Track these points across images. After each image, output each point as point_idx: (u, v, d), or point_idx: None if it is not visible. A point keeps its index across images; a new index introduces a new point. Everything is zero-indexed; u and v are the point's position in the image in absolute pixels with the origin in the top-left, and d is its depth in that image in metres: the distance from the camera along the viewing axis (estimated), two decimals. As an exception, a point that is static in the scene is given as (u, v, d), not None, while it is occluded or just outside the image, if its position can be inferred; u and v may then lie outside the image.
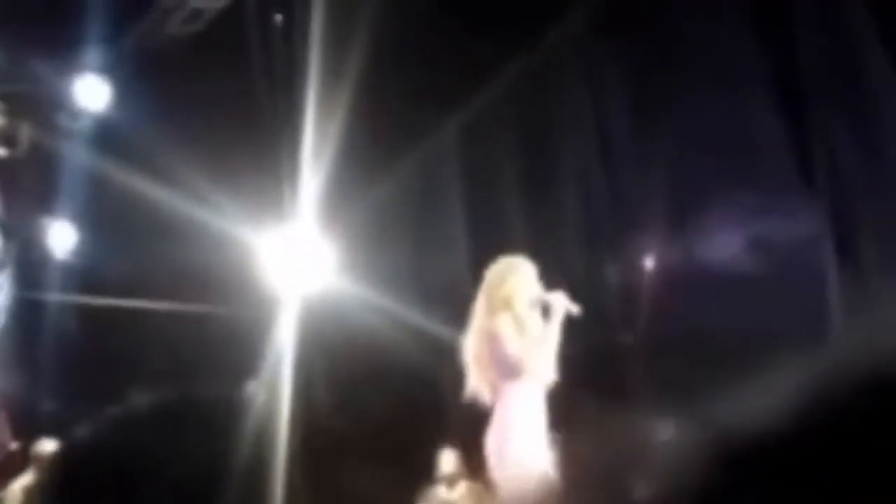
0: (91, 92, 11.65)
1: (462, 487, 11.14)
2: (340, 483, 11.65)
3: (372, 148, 11.55)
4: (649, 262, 9.25)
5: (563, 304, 6.97)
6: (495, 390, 6.94)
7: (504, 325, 6.93)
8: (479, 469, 11.12)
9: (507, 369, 6.89)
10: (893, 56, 9.37)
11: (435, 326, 11.84)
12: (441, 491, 11.15)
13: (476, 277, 11.96)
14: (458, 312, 11.93)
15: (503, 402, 6.91)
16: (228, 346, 11.19)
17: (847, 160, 9.64)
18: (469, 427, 11.63)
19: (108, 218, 11.35)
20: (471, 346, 7.08)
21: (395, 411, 11.65)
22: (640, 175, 11.11)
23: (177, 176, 10.75)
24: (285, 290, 11.63)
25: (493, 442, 6.95)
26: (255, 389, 11.56)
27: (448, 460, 11.20)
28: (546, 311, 7.00)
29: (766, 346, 10.25)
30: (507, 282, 7.05)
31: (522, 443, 6.85)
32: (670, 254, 10.29)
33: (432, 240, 12.38)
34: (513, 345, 6.87)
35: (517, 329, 6.92)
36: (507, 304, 6.98)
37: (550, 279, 11.51)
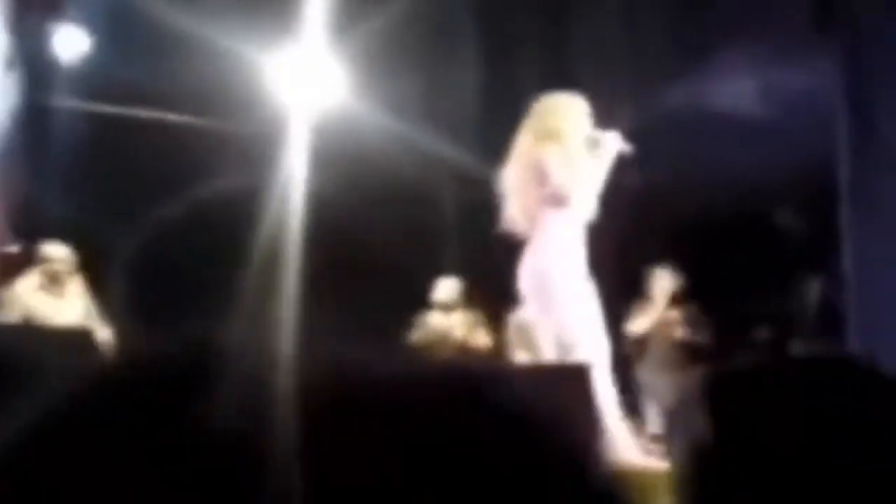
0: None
1: (458, 315, 11.26)
2: (341, 298, 11.79)
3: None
4: (662, 105, 9.24)
5: (615, 143, 7.05)
6: (533, 220, 7.01)
7: (552, 155, 6.99)
8: (477, 298, 11.28)
9: (551, 199, 6.96)
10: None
11: (444, 153, 11.88)
12: (437, 317, 11.26)
13: (486, 109, 12.05)
14: (466, 142, 12.02)
15: (542, 231, 6.99)
16: (239, 162, 11.20)
17: (865, 9, 9.58)
18: (474, 256, 11.80)
19: (119, 27, 11.27)
20: (512, 175, 7.14)
21: (398, 234, 11.71)
22: (658, 16, 11.04)
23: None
24: (295, 109, 11.62)
25: (531, 269, 7.03)
26: (262, 186, 11.62)
27: (446, 287, 11.29)
28: (596, 147, 7.08)
29: (771, 194, 10.38)
30: (559, 114, 7.12)
31: (563, 271, 6.96)
32: (682, 97, 10.30)
33: (444, 67, 12.34)
34: (560, 175, 6.95)
35: (565, 161, 6.97)
36: (556, 136, 7.05)
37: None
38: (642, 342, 10.43)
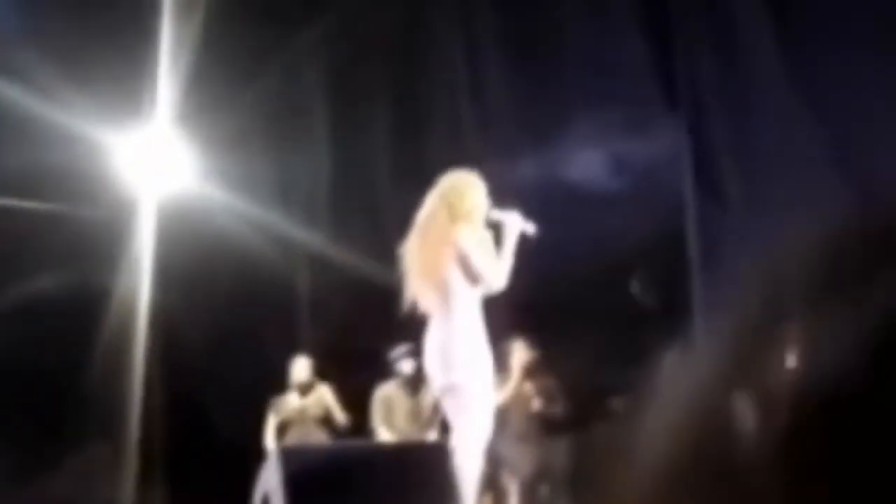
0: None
1: (314, 394, 11.22)
2: (196, 389, 11.67)
3: (234, 50, 11.44)
4: (513, 180, 9.32)
5: (518, 223, 7.20)
6: (443, 297, 7.11)
7: (468, 236, 7.14)
8: (330, 377, 11.26)
9: (468, 279, 7.12)
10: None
11: (295, 232, 11.87)
12: (293, 397, 11.21)
13: (335, 185, 12.06)
14: (317, 221, 12.01)
15: (453, 309, 7.08)
16: (85, 246, 11.06)
17: (709, 84, 9.80)
18: (327, 333, 11.77)
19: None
20: (422, 252, 7.21)
21: (253, 317, 11.66)
22: (506, 91, 11.16)
23: (36, 73, 10.55)
24: (143, 193, 11.54)
25: (439, 347, 7.14)
26: (109, 287, 11.49)
27: (301, 367, 11.27)
28: (497, 228, 7.25)
29: (623, 264, 10.50)
30: (469, 194, 7.25)
31: (473, 347, 7.11)
32: (533, 172, 10.42)
33: (294, 145, 12.34)
34: (478, 257, 7.12)
35: (478, 242, 7.12)
36: (468, 216, 7.15)
37: (410, 194, 11.63)
38: (499, 414, 10.45)
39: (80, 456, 10.56)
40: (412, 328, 10.88)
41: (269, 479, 9.07)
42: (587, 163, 10.34)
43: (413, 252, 7.29)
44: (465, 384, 7.10)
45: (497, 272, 7.17)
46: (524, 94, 10.94)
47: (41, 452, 10.18)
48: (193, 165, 11.68)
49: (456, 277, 7.13)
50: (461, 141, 11.30)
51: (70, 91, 10.66)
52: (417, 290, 7.25)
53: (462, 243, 7.12)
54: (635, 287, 10.78)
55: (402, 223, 11.75)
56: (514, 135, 10.94)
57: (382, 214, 11.82)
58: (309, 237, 11.99)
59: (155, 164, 11.52)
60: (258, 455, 10.07)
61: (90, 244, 11.13)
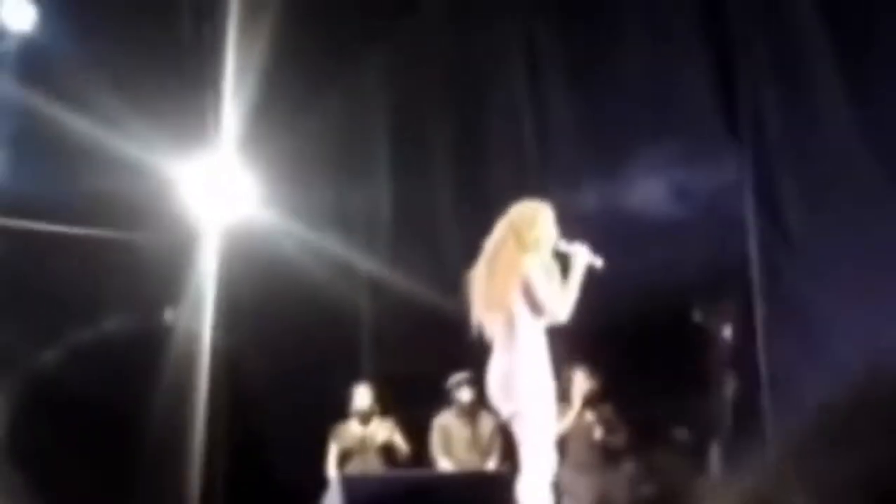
0: (16, 12, 11.44)
1: (375, 423, 11.22)
2: (260, 418, 11.70)
3: (296, 77, 11.50)
4: (576, 210, 9.30)
5: (585, 255, 7.24)
6: (508, 326, 7.17)
7: (535, 266, 7.21)
8: (391, 405, 11.26)
9: (533, 310, 7.17)
10: (825, 14, 9.50)
11: (356, 260, 11.89)
12: (354, 425, 11.21)
13: (398, 211, 12.08)
14: (378, 248, 12.03)
15: (518, 337, 7.14)
16: (150, 274, 11.14)
17: (772, 114, 9.77)
18: (388, 361, 11.78)
19: (28, 142, 11.19)
20: (489, 280, 7.27)
21: (314, 344, 11.68)
22: (568, 121, 11.16)
23: (99, 101, 10.64)
24: (206, 220, 11.59)
25: (502, 376, 7.20)
26: (173, 318, 11.54)
27: (362, 396, 11.27)
28: (565, 259, 7.30)
29: (686, 293, 10.45)
30: (538, 224, 7.33)
31: (537, 377, 7.19)
32: (597, 203, 10.41)
33: (355, 173, 12.38)
34: (543, 288, 7.17)
35: (544, 272, 7.18)
36: (536, 246, 7.23)
37: (472, 224, 11.63)
38: (560, 443, 10.42)
39: (145, 492, 10.60)
40: (471, 356, 10.91)
41: (331, 507, 9.13)
42: (649, 192, 10.31)
43: (480, 280, 7.34)
44: (528, 413, 7.14)
45: (562, 303, 7.20)
46: (586, 124, 10.94)
47: (104, 490, 10.24)
48: (256, 192, 11.72)
49: (521, 307, 7.16)
50: (523, 170, 11.30)
51: (134, 119, 10.74)
52: (483, 317, 7.28)
53: (528, 273, 7.16)
54: (698, 315, 10.73)
55: (462, 251, 11.78)
56: (576, 165, 10.94)
57: (443, 242, 11.84)
58: (370, 264, 12.01)
59: (218, 191, 11.57)
60: (320, 484, 10.10)
61: (154, 271, 11.20)
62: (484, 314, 7.29)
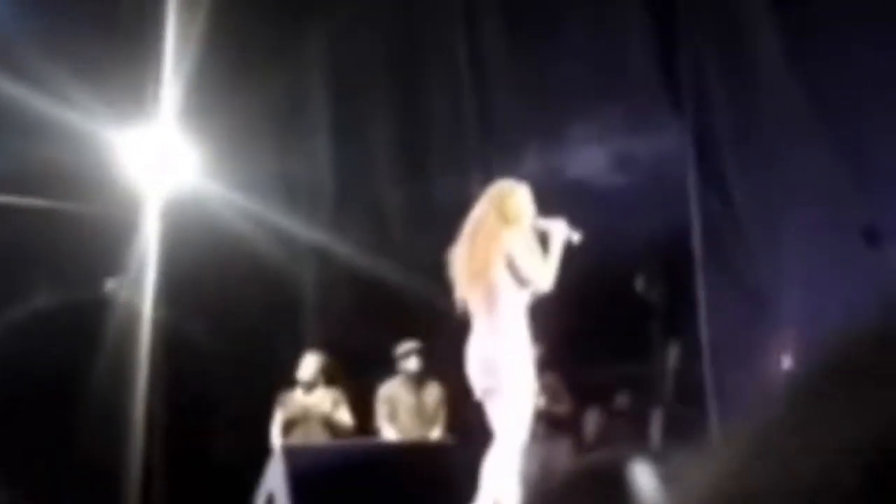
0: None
1: (320, 392, 11.21)
2: (202, 387, 11.68)
3: (238, 48, 11.44)
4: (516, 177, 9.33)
5: (563, 230, 7.32)
6: (489, 301, 7.23)
7: (517, 241, 7.28)
8: (337, 374, 11.26)
9: (517, 282, 7.23)
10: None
11: (299, 230, 11.87)
12: (299, 395, 11.21)
13: (341, 180, 12.07)
14: (321, 218, 12.01)
15: (501, 312, 7.20)
16: (90, 244, 11.07)
17: (714, 85, 9.82)
18: (333, 330, 11.78)
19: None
20: (470, 255, 7.34)
21: (257, 314, 11.67)
22: (509, 89, 11.16)
23: (41, 72, 10.56)
24: (148, 190, 11.53)
25: (483, 351, 7.26)
26: (115, 287, 11.49)
27: (308, 365, 11.26)
28: (544, 235, 7.41)
29: (628, 260, 10.51)
30: (515, 199, 7.42)
31: (518, 354, 7.27)
32: (539, 169, 10.42)
33: (297, 143, 12.34)
34: (527, 259, 7.25)
35: (525, 245, 7.25)
36: (515, 221, 7.31)
37: (413, 190, 11.60)
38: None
39: (84, 463, 10.57)
40: (417, 325, 10.93)
41: (274, 478, 9.11)
42: (592, 159, 10.34)
43: (461, 257, 7.40)
44: (508, 389, 7.20)
45: (544, 274, 7.29)
46: (528, 90, 10.95)
47: (46, 458, 10.21)
48: (198, 163, 11.66)
49: (504, 280, 7.24)
50: (465, 137, 11.30)
51: (75, 89, 10.67)
52: (465, 294, 7.35)
53: (510, 246, 7.24)
54: (640, 283, 10.79)
55: (404, 219, 11.81)
56: (517, 131, 10.95)
57: (385, 211, 11.84)
58: (313, 234, 11.99)
59: (160, 161, 11.51)
60: (264, 453, 10.10)
61: (94, 241, 11.13)
62: (466, 289, 7.36)
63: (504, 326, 7.27)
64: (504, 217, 7.36)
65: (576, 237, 7.45)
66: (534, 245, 7.44)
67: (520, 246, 7.30)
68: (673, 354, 10.67)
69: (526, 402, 7.36)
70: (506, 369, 7.23)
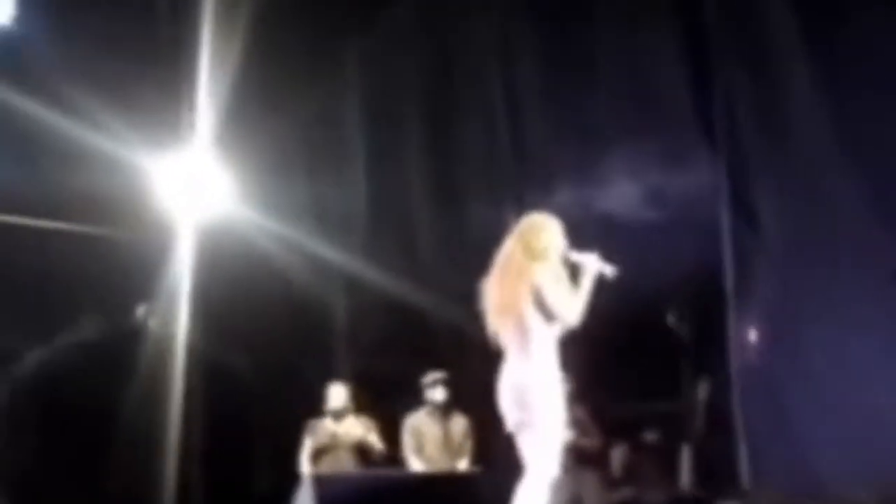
0: (-8, 6, 11.41)
1: (349, 421, 11.22)
2: (234, 414, 11.69)
3: (272, 74, 11.50)
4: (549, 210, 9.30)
5: (595, 264, 7.31)
6: (520, 334, 7.20)
7: (545, 274, 7.24)
8: (366, 403, 11.27)
9: (544, 316, 7.21)
10: (801, 20, 9.50)
11: (331, 256, 11.88)
12: (328, 423, 11.21)
13: (374, 208, 12.08)
14: (353, 245, 12.01)
15: (529, 346, 7.22)
16: (125, 271, 11.12)
17: (747, 120, 9.79)
18: (363, 359, 11.79)
19: (3, 137, 11.16)
20: (500, 288, 7.35)
21: (288, 341, 11.69)
22: (543, 121, 11.16)
23: (76, 98, 10.62)
24: (182, 217, 11.57)
25: (515, 385, 7.26)
26: (146, 313, 11.53)
27: (337, 394, 11.27)
28: (576, 269, 7.39)
29: (659, 296, 10.47)
30: (544, 234, 7.41)
31: (547, 387, 7.21)
32: (571, 203, 10.40)
33: (330, 170, 12.37)
34: (554, 293, 7.20)
35: (554, 279, 7.21)
36: (544, 255, 7.29)
37: (446, 220, 11.58)
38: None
39: (119, 490, 10.60)
40: (446, 355, 10.93)
41: (302, 505, 9.14)
42: (624, 194, 10.32)
43: (492, 290, 7.41)
44: (541, 422, 7.20)
45: (572, 308, 7.27)
46: (561, 123, 10.94)
47: (79, 490, 10.24)
48: (231, 189, 11.70)
49: (532, 314, 7.23)
50: (497, 168, 11.31)
51: (110, 115, 10.73)
52: (496, 325, 7.35)
53: (538, 279, 7.24)
54: (671, 319, 10.76)
55: (436, 247, 11.80)
56: (550, 164, 10.94)
57: (417, 239, 11.85)
58: (345, 261, 12.00)
59: (194, 188, 11.55)
60: (294, 482, 10.10)
61: (129, 268, 11.18)
62: (497, 322, 7.37)
63: (535, 360, 7.26)
64: (531, 252, 7.36)
65: (608, 271, 7.44)
66: (563, 278, 7.43)
67: (548, 280, 7.29)
68: (702, 390, 10.63)
69: (557, 435, 7.35)
70: (538, 403, 7.22)
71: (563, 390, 7.55)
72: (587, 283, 7.38)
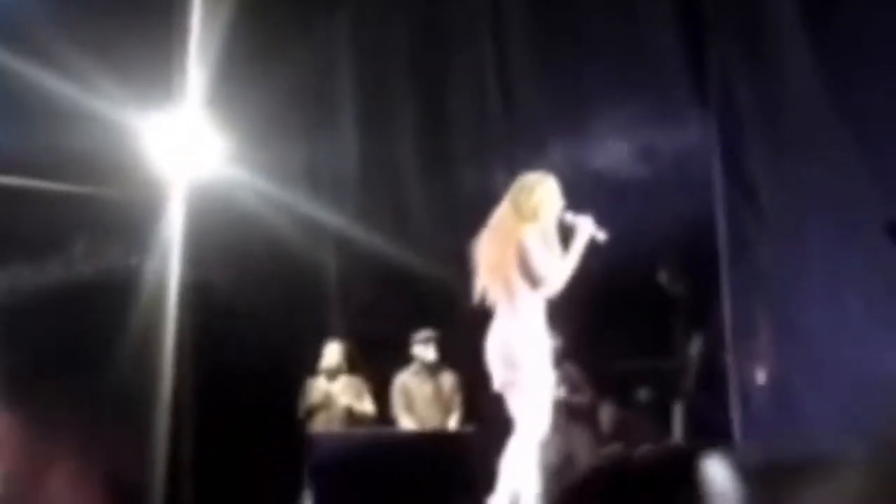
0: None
1: (343, 380, 11.25)
2: (226, 377, 11.70)
3: (263, 34, 11.45)
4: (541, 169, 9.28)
5: (589, 228, 7.31)
6: (508, 294, 7.24)
7: (532, 236, 7.31)
8: (359, 362, 11.29)
9: (529, 280, 7.26)
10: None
11: (324, 217, 11.88)
12: (322, 382, 11.24)
13: (365, 169, 12.07)
14: (345, 207, 12.01)
15: (516, 307, 7.23)
16: (116, 231, 11.11)
17: (740, 78, 9.77)
18: (355, 319, 11.80)
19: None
20: (489, 248, 7.36)
21: (282, 302, 11.68)
22: (533, 80, 11.13)
23: (66, 57, 10.59)
24: (173, 177, 11.54)
25: (501, 341, 7.28)
26: (139, 268, 11.53)
27: (332, 352, 11.30)
28: (568, 230, 7.38)
29: (651, 253, 10.49)
30: (536, 193, 7.40)
31: (533, 347, 7.33)
32: (562, 162, 10.39)
33: (322, 132, 12.34)
34: (539, 257, 7.27)
35: (543, 242, 7.27)
36: (534, 216, 7.29)
37: (437, 181, 11.57)
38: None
39: (110, 440, 10.60)
40: (436, 314, 10.94)
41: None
42: (615, 152, 10.31)
43: (482, 249, 7.42)
44: (528, 381, 7.23)
45: (556, 273, 7.28)
46: (551, 81, 10.91)
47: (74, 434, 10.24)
48: (222, 149, 11.67)
49: (517, 276, 7.25)
50: (488, 127, 11.29)
51: (101, 74, 10.69)
52: (486, 283, 7.37)
53: (524, 241, 7.24)
54: (663, 276, 10.77)
55: (426, 208, 11.79)
56: (541, 122, 10.91)
57: (408, 199, 11.84)
58: (337, 221, 11.99)
59: (185, 147, 11.52)
60: (287, 436, 10.15)
61: (120, 227, 11.16)
62: (486, 280, 7.38)
63: (522, 319, 7.29)
64: (520, 212, 7.36)
65: (601, 236, 7.42)
66: (554, 240, 7.42)
67: (533, 242, 7.29)
68: (695, 348, 10.65)
69: (545, 394, 7.37)
70: (526, 362, 7.25)
71: (554, 348, 7.59)
72: (577, 247, 7.39)
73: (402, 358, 11.18)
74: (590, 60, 10.62)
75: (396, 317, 11.20)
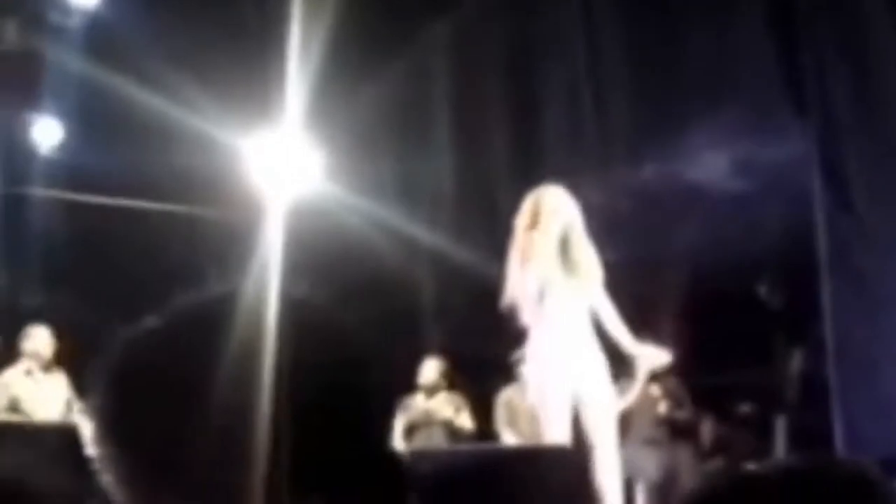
0: (82, -11, 11.54)
1: (441, 397, 11.25)
2: (323, 391, 11.75)
3: (360, 51, 11.53)
4: (637, 184, 9.29)
5: (651, 359, 7.58)
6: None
7: (526, 246, 7.33)
8: (456, 379, 11.29)
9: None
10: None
11: (420, 233, 11.91)
12: (420, 399, 11.25)
13: (460, 186, 12.09)
14: (442, 222, 12.03)
15: (537, 317, 7.22)
16: (215, 248, 11.22)
17: (838, 88, 9.67)
18: (451, 336, 11.80)
19: (94, 117, 11.30)
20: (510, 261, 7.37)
21: (378, 319, 11.72)
22: (628, 94, 11.09)
23: (164, 77, 10.72)
24: (272, 195, 11.64)
25: (532, 354, 7.22)
26: (237, 290, 11.61)
27: (430, 369, 11.30)
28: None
29: (750, 266, 10.41)
30: (535, 201, 7.32)
31: (556, 365, 7.34)
32: (658, 175, 10.36)
33: (419, 146, 12.39)
34: (512, 274, 7.37)
35: (544, 249, 7.31)
36: (535, 224, 7.40)
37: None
38: (625, 419, 10.39)
39: (208, 463, 10.66)
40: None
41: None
42: (712, 164, 10.24)
43: (509, 257, 7.43)
44: (590, 396, 7.18)
45: (518, 293, 7.28)
46: (647, 94, 10.86)
47: (169, 460, 10.31)
48: (321, 167, 11.76)
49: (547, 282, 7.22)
50: (583, 143, 11.26)
51: (200, 94, 10.82)
52: (509, 295, 7.38)
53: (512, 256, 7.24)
54: (764, 289, 10.69)
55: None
56: (636, 136, 10.87)
57: (503, 217, 11.85)
58: (433, 237, 12.02)
59: (284, 166, 11.61)
60: (385, 454, 10.16)
61: (219, 246, 11.27)
62: (510, 293, 7.39)
63: (541, 337, 7.22)
64: (527, 223, 7.33)
65: (664, 359, 7.39)
66: (552, 249, 7.33)
67: (514, 257, 7.26)
68: (796, 361, 10.56)
69: (609, 406, 7.31)
70: (546, 386, 7.17)
71: (656, 363, 7.53)
72: (641, 376, 7.35)
73: (499, 374, 11.16)
74: (685, 70, 10.57)
75: (492, 333, 11.19)
